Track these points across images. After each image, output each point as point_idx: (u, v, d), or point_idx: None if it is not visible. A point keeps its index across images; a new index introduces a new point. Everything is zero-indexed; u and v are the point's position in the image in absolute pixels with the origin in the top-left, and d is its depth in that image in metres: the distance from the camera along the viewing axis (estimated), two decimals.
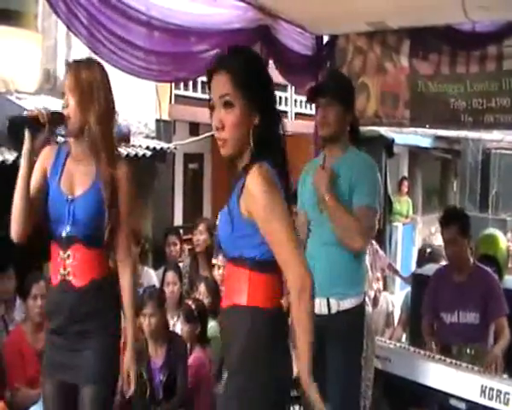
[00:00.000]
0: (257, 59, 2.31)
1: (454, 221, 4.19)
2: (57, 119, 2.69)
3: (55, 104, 6.20)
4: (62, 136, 3.05)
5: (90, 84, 2.69)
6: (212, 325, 4.44)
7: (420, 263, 6.46)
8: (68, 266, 2.72)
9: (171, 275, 4.88)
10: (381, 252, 7.17)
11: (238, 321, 2.16)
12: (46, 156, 2.79)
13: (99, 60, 2.93)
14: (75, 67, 2.74)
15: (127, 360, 2.81)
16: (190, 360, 4.22)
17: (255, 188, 2.05)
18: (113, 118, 2.80)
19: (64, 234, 2.71)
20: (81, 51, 5.97)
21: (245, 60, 2.20)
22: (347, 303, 3.19)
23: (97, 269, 2.76)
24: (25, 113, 2.66)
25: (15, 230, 2.67)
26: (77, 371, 2.73)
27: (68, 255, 2.71)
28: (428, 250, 6.86)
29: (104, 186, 2.70)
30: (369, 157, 3.32)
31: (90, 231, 2.71)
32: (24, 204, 2.63)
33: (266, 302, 2.16)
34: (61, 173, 2.75)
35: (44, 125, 2.60)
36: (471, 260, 4.22)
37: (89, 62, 2.79)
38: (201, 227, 5.40)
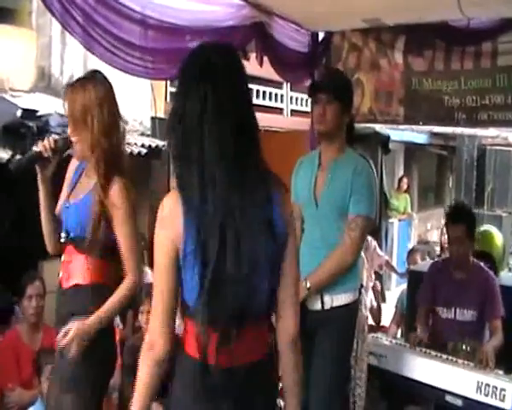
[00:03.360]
0: None
1: (462, 220, 4.13)
2: (63, 145, 2.80)
3: (49, 102, 6.20)
4: None
5: (84, 109, 2.70)
6: None
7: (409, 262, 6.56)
8: (67, 269, 2.80)
9: None
10: (378, 250, 7.20)
11: None
12: (70, 170, 2.95)
13: (99, 69, 2.91)
14: (69, 92, 2.76)
15: (78, 324, 2.67)
16: None
17: None
18: (115, 130, 2.80)
19: (60, 239, 2.84)
20: (76, 49, 5.99)
21: None
22: (341, 299, 3.20)
23: (84, 275, 2.76)
24: (28, 154, 2.85)
25: (48, 245, 2.95)
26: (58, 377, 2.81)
27: (66, 259, 2.81)
28: (418, 248, 6.94)
29: (94, 201, 2.74)
30: (365, 160, 3.31)
31: (79, 237, 2.75)
32: (49, 225, 2.89)
33: None
34: (74, 185, 2.87)
35: (49, 157, 2.75)
36: (470, 257, 4.21)
37: (84, 82, 2.77)
38: None
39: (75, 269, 2.77)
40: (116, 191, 2.72)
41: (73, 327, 2.61)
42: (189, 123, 1.84)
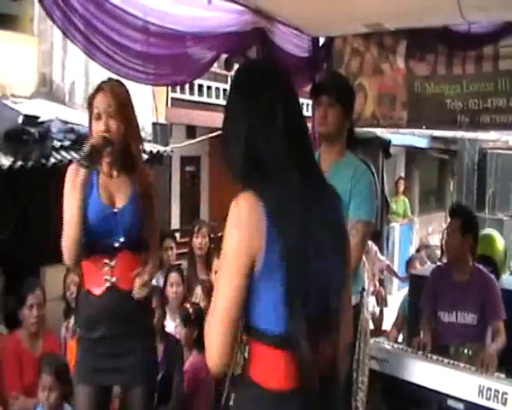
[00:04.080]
0: None
1: (458, 215, 4.23)
2: (100, 149, 2.77)
3: (50, 108, 6.22)
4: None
5: (128, 103, 2.84)
6: None
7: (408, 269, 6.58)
8: (116, 273, 2.82)
9: (174, 276, 4.87)
10: (379, 254, 7.21)
11: None
12: (74, 179, 2.78)
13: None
14: (110, 88, 2.81)
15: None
16: (187, 365, 4.22)
17: None
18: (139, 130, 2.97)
19: (114, 244, 2.81)
20: (77, 55, 6.00)
21: None
22: None
23: None
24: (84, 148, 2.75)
25: (74, 255, 2.75)
26: (124, 374, 2.87)
27: (116, 263, 2.82)
28: (416, 256, 6.96)
29: (142, 196, 2.87)
30: (365, 165, 3.32)
31: (135, 237, 2.86)
32: (81, 233, 2.72)
33: None
34: (97, 190, 2.84)
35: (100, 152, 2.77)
36: (470, 260, 4.22)
37: (117, 81, 2.90)
38: (204, 230, 5.37)
39: (132, 269, 2.88)
40: (149, 180, 2.94)
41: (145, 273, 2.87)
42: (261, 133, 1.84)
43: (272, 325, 1.76)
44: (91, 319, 2.86)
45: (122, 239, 2.80)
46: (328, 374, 1.85)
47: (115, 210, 2.82)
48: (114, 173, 2.88)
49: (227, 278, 1.76)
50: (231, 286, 1.74)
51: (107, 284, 2.82)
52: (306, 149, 1.92)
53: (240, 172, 1.84)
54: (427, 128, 5.52)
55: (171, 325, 4.48)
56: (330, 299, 1.85)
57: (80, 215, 2.70)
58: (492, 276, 4.25)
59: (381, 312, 6.75)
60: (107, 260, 2.81)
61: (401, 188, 12.11)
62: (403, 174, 13.89)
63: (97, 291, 2.83)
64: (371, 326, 4.52)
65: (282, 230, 1.74)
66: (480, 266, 4.24)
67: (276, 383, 1.78)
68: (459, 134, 11.76)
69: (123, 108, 2.80)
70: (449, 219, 4.40)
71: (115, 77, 3.07)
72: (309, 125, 5.15)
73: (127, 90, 2.89)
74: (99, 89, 2.81)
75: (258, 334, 1.78)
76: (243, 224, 1.74)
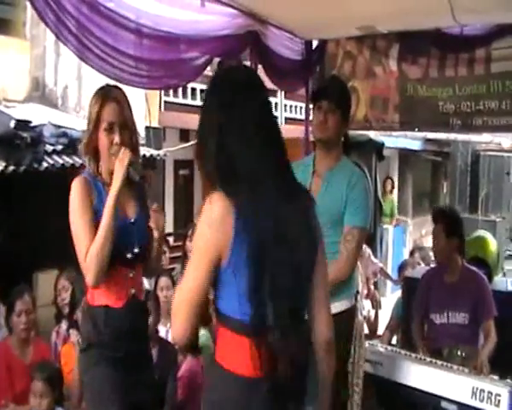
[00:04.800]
0: None
1: (441, 219, 4.28)
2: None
3: (43, 112, 6.20)
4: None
5: (132, 112, 2.79)
6: (203, 333, 4.42)
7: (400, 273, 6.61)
8: (136, 284, 2.81)
9: (164, 280, 4.85)
10: (373, 257, 7.22)
11: None
12: (87, 188, 2.70)
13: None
14: (119, 98, 2.73)
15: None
16: (182, 371, 4.20)
17: None
18: None
19: (130, 255, 2.74)
20: (70, 59, 5.99)
21: None
22: (338, 306, 3.19)
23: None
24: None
25: (103, 275, 2.62)
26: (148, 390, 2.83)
27: (134, 274, 2.79)
28: (408, 261, 6.98)
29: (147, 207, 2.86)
30: (360, 170, 3.32)
31: (146, 247, 2.82)
32: (111, 249, 2.60)
33: None
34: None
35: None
36: (459, 261, 4.24)
37: (119, 89, 2.81)
38: None
39: (141, 280, 2.91)
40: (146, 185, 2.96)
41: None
42: (231, 136, 1.91)
43: (237, 313, 1.87)
44: (116, 332, 2.72)
45: (137, 250, 2.74)
46: (296, 367, 1.92)
47: (132, 220, 2.76)
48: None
49: (194, 270, 1.90)
50: (196, 277, 1.89)
51: (129, 296, 2.75)
52: (278, 152, 1.98)
53: (212, 174, 1.92)
54: (419, 131, 5.53)
55: (163, 330, 4.46)
56: (298, 295, 1.96)
57: (114, 219, 2.61)
58: (483, 275, 4.27)
59: (376, 316, 6.74)
60: (128, 272, 2.75)
61: (388, 187, 12.10)
62: (396, 176, 13.91)
63: (120, 303, 2.73)
64: (366, 331, 4.53)
65: (251, 230, 1.83)
66: (472, 267, 4.26)
67: (239, 368, 1.88)
68: (452, 136, 11.82)
69: (132, 118, 2.77)
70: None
71: (111, 82, 3.01)
72: (302, 128, 5.17)
73: (127, 97, 2.81)
74: (106, 98, 2.70)
75: (224, 319, 1.92)
76: (214, 223, 1.85)
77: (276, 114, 9.43)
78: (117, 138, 2.68)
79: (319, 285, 2.05)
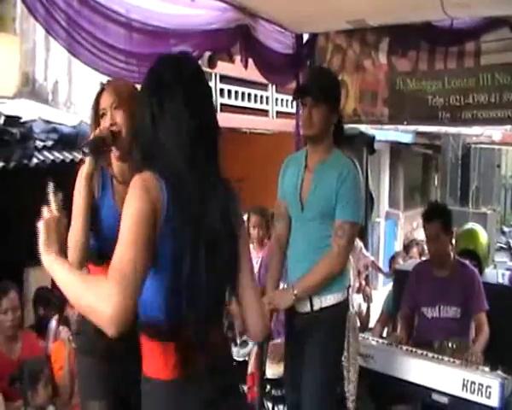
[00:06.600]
0: None
1: (436, 217, 4.22)
2: (107, 141, 2.56)
3: (33, 108, 6.17)
4: None
5: (133, 97, 2.59)
6: None
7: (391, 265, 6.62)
8: None
9: None
10: (364, 251, 7.23)
11: None
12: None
13: None
14: (112, 85, 2.70)
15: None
16: None
17: None
18: None
19: None
20: (60, 54, 5.96)
21: None
22: (330, 300, 3.20)
23: None
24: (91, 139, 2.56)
25: (76, 260, 2.51)
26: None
27: None
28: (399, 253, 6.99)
29: None
30: (351, 163, 3.28)
31: None
32: (86, 236, 2.52)
33: None
34: (112, 195, 2.66)
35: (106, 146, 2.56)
36: (452, 255, 4.26)
37: (120, 79, 2.82)
38: None
39: None
40: None
41: None
42: (147, 129, 1.90)
43: (157, 313, 1.82)
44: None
45: None
46: (220, 361, 1.93)
47: None
48: (123, 178, 2.65)
49: (129, 243, 1.77)
50: (135, 248, 1.75)
51: None
52: (206, 146, 1.92)
53: (139, 160, 1.92)
54: (408, 124, 5.55)
55: None
56: (220, 288, 1.97)
57: (86, 209, 2.50)
58: (474, 268, 4.29)
59: (368, 309, 6.77)
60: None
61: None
62: (387, 170, 13.94)
63: None
64: (358, 324, 4.55)
65: (176, 228, 1.79)
66: (462, 260, 4.28)
67: (160, 373, 1.85)
68: (443, 129, 11.83)
69: (129, 101, 2.58)
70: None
71: (101, 77, 3.00)
72: (293, 122, 5.16)
73: (133, 85, 2.73)
74: (101, 89, 2.68)
75: (143, 324, 1.85)
76: (144, 197, 1.80)
77: (266, 107, 9.45)
78: (107, 121, 2.60)
79: (245, 277, 2.05)
